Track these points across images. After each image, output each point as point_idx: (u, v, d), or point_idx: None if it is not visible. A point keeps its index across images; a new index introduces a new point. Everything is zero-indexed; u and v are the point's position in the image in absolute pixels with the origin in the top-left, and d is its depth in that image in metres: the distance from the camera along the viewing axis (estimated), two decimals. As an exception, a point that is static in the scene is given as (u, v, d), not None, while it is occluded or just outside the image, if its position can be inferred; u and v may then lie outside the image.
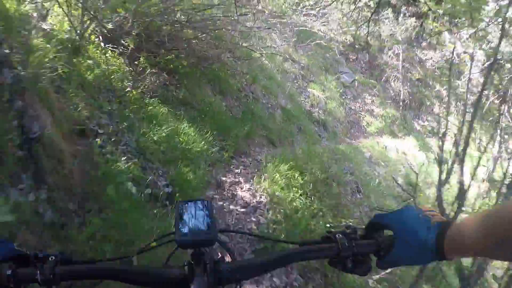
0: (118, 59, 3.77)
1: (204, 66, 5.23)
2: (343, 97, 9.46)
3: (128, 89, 3.49)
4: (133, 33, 3.83)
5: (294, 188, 3.90)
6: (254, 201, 3.49)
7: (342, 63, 10.59)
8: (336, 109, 8.62)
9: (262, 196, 3.62)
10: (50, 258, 0.62)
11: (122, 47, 3.78)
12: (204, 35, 4.94)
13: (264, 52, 6.18)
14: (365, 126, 9.39)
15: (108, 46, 3.76)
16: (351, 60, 11.31)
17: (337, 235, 0.70)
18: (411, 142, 9.40)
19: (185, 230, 0.67)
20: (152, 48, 4.14)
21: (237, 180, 3.85)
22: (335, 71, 9.88)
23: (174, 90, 4.27)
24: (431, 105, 11.30)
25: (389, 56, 10.96)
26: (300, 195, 3.86)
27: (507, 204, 0.53)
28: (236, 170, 4.07)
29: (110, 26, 3.77)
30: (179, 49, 4.47)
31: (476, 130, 11.61)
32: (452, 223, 0.62)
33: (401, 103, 10.40)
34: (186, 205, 0.73)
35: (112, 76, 3.48)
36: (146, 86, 3.77)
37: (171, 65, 4.24)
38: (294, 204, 3.67)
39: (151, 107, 3.60)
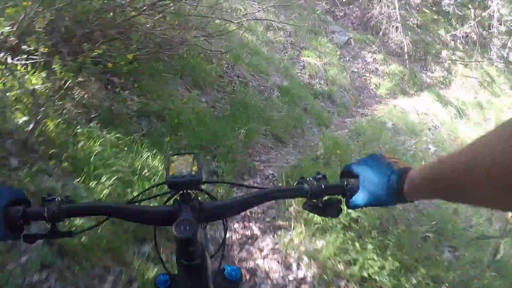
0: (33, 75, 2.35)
1: (167, 55, 3.82)
2: (342, 59, 8.06)
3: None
4: (39, 29, 2.39)
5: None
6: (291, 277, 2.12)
7: (330, 22, 9.14)
8: (339, 75, 7.23)
9: (300, 266, 2.25)
10: (55, 199, 0.71)
11: (28, 56, 2.35)
12: (155, 13, 3.50)
13: (243, 20, 4.68)
14: (374, 89, 8.04)
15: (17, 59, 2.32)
16: (338, 17, 9.85)
17: (308, 178, 0.78)
18: (426, 98, 8.11)
19: (174, 172, 0.74)
20: (75, 47, 2.68)
21: (248, 234, 2.44)
22: (326, 32, 8.43)
23: (124, 100, 2.85)
24: (437, 51, 9.93)
25: (383, 5, 9.48)
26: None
27: (460, 150, 0.51)
28: (242, 213, 2.60)
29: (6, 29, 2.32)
30: (117, 39, 3.00)
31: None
32: (411, 168, 0.66)
33: (406, 56, 9.01)
34: (176, 156, 0.79)
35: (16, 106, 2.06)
36: (74, 107, 2.34)
37: (109, 64, 2.75)
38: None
39: (83, 141, 2.19)
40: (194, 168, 0.75)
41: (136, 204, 0.82)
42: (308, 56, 7.07)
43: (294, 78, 6.06)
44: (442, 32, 10.18)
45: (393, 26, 9.21)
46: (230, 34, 4.97)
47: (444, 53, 9.87)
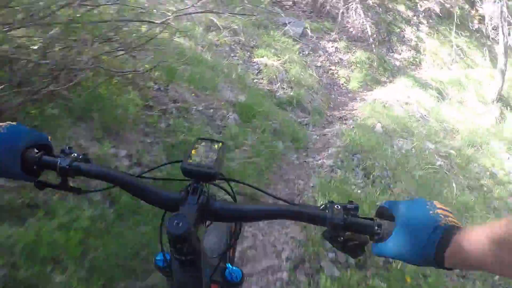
0: None
1: (64, 88, 2.34)
2: (301, 54, 6.80)
3: None
4: None
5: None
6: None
7: (279, 14, 7.87)
8: (302, 74, 5.94)
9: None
10: (72, 154, 0.71)
11: None
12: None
13: (170, 18, 3.19)
14: (345, 84, 6.87)
15: None
16: (287, 7, 8.62)
17: (335, 206, 0.66)
18: (403, 84, 7.07)
19: (192, 160, 0.70)
20: None
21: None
22: (277, 25, 7.15)
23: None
24: (401, 30, 8.96)
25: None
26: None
27: None
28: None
29: None
30: None
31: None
32: (461, 229, 0.54)
33: (370, 40, 7.92)
34: (203, 141, 0.76)
35: None
36: None
37: None
38: None
39: None
40: (214, 159, 0.71)
41: (148, 180, 0.78)
42: (263, 56, 5.74)
43: (251, 87, 4.70)
44: (402, 8, 9.22)
45: (351, 8, 8.09)
46: (157, 42, 3.50)
47: (409, 30, 8.91)
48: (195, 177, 0.70)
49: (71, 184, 0.73)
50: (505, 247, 0.46)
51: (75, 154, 0.72)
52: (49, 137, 0.75)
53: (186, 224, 0.60)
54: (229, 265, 0.95)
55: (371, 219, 0.65)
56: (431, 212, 0.58)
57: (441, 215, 0.57)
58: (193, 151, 0.72)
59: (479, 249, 0.49)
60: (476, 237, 0.50)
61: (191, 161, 0.70)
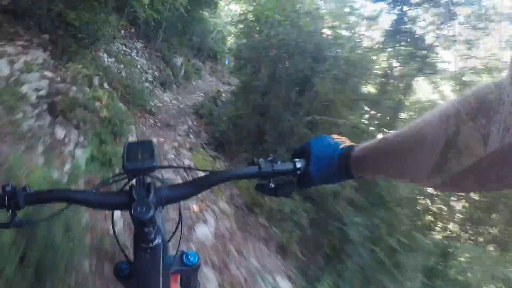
0: None
1: None
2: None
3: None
4: None
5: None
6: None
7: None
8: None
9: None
10: (15, 188, 0.72)
11: None
12: None
13: None
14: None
15: None
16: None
17: (259, 160, 0.80)
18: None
19: (131, 159, 0.78)
20: None
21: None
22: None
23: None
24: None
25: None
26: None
27: (402, 129, 0.57)
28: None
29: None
30: None
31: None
32: (356, 146, 0.72)
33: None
34: (132, 144, 0.82)
35: None
36: None
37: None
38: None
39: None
40: (149, 154, 0.79)
41: (94, 192, 0.81)
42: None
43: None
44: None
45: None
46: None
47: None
48: (139, 173, 0.78)
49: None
50: (383, 157, 0.62)
51: (18, 187, 0.72)
52: None
53: (148, 207, 0.70)
54: (184, 251, 1.02)
55: (290, 161, 0.80)
56: (332, 141, 0.77)
57: (339, 142, 0.76)
58: (128, 153, 0.78)
59: (371, 157, 0.66)
60: (368, 148, 0.67)
61: (130, 161, 0.77)
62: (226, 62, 16.95)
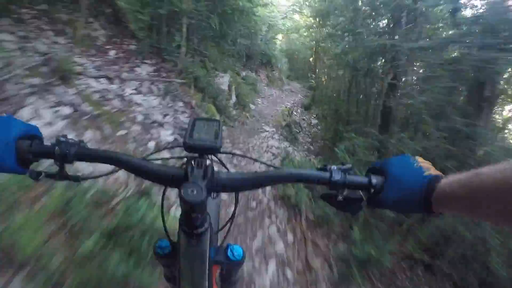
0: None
1: None
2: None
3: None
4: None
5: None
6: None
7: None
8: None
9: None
10: (69, 141, 0.71)
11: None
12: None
13: None
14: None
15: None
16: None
17: (333, 167, 0.73)
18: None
19: (194, 137, 0.75)
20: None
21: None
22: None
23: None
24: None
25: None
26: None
27: (496, 167, 0.50)
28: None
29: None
30: None
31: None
32: (443, 177, 0.63)
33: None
34: (199, 121, 0.80)
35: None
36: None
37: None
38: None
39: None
40: (215, 134, 0.76)
41: (147, 161, 0.75)
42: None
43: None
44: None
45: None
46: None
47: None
48: (200, 151, 0.74)
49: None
50: (477, 195, 0.52)
51: (71, 140, 0.71)
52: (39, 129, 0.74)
53: (201, 192, 0.61)
54: (230, 244, 0.93)
55: (366, 175, 0.72)
56: (415, 165, 0.68)
57: (424, 167, 0.66)
58: (193, 129, 0.77)
59: (459, 195, 0.55)
60: (457, 183, 0.57)
61: (192, 137, 0.75)
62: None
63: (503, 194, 0.48)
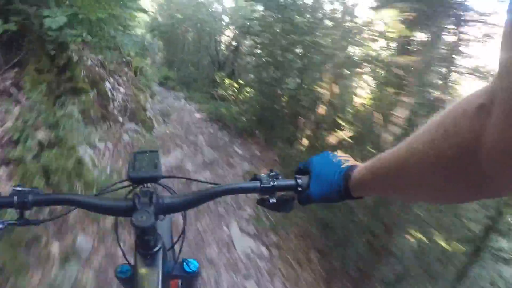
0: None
1: None
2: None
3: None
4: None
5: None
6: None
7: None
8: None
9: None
10: (24, 190, 0.74)
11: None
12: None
13: None
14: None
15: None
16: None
17: (261, 175, 0.81)
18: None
19: (136, 168, 0.83)
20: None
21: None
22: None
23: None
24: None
25: None
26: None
27: (397, 146, 0.53)
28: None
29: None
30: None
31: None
32: (357, 166, 0.70)
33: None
34: (139, 154, 0.88)
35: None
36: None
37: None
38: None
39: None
40: (154, 165, 0.84)
41: (99, 197, 0.82)
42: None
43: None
44: None
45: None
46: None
47: None
48: (143, 181, 0.82)
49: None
50: (378, 177, 0.59)
51: (27, 189, 0.74)
52: None
53: (149, 217, 0.71)
54: (185, 258, 1.01)
55: (293, 178, 0.80)
56: (334, 160, 0.75)
57: (342, 160, 0.74)
58: (134, 163, 0.84)
59: (370, 178, 0.62)
60: (367, 168, 0.63)
61: (135, 170, 0.82)
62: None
63: (395, 173, 0.52)
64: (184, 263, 0.99)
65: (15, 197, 0.72)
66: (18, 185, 0.74)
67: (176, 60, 11.78)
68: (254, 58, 7.51)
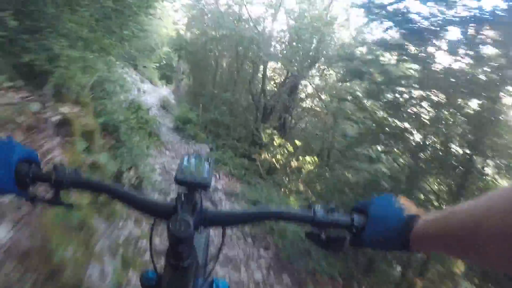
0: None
1: None
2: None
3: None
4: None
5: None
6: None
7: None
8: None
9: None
10: (65, 169, 0.71)
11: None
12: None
13: None
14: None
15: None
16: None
17: (316, 205, 0.73)
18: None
19: (185, 171, 0.75)
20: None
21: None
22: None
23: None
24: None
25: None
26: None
27: (471, 203, 0.49)
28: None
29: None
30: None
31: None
32: (420, 217, 0.63)
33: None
34: (191, 156, 0.82)
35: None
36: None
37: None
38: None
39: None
40: (205, 171, 0.76)
41: (140, 194, 0.77)
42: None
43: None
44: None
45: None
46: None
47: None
48: (190, 186, 0.73)
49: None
50: (446, 234, 0.52)
51: (68, 168, 0.72)
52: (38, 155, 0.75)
53: (188, 226, 0.64)
54: (216, 278, 0.95)
55: (349, 214, 0.72)
56: (396, 205, 0.68)
57: (404, 207, 0.67)
58: (184, 165, 0.77)
59: (434, 234, 0.56)
60: (432, 223, 0.58)
61: (183, 171, 0.75)
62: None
63: (466, 234, 0.47)
64: (214, 284, 0.94)
65: (54, 173, 0.69)
66: (61, 164, 0.71)
67: (203, 93, 8.50)
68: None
